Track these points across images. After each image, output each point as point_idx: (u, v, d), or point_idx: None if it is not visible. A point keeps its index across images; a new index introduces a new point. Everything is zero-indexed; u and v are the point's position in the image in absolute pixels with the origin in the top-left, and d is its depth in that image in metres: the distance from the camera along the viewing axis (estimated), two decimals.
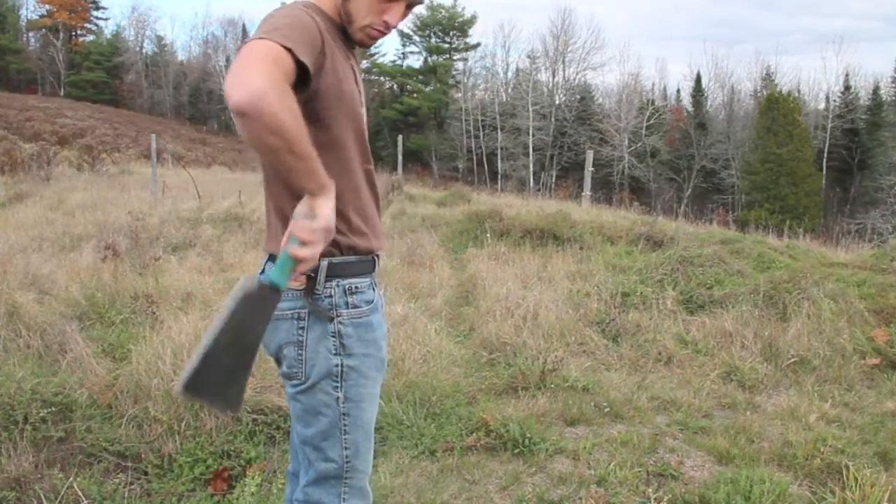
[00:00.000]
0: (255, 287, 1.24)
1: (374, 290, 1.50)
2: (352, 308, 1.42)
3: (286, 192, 1.37)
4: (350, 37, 1.47)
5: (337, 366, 1.41)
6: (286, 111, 1.14)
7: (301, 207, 1.26)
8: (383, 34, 1.48)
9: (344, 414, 1.43)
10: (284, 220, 1.40)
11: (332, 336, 1.40)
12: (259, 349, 1.31)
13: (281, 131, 1.14)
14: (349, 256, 1.43)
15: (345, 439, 1.45)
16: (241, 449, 2.65)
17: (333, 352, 1.40)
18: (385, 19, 1.44)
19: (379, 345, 1.49)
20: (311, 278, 1.37)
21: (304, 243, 1.24)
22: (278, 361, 1.47)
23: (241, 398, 1.29)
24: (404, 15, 1.48)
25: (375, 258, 1.49)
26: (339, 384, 1.42)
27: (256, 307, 1.24)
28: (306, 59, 1.23)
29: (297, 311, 1.40)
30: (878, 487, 2.36)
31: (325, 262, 1.37)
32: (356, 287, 1.43)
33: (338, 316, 1.40)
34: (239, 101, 1.11)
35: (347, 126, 1.41)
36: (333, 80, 1.35)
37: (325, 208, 1.26)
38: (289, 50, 1.20)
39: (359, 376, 1.44)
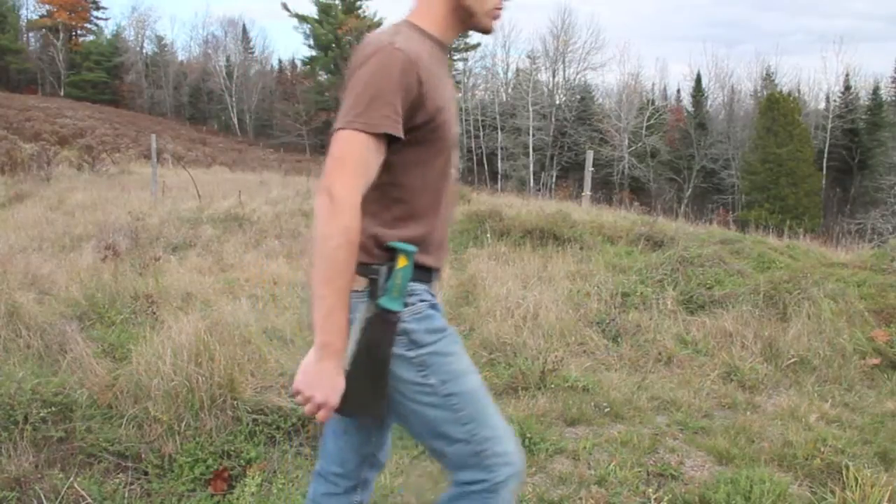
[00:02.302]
0: (372, 313, 1.38)
1: (431, 294, 1.50)
2: (410, 306, 1.42)
3: (373, 207, 1.39)
4: (469, 30, 1.51)
5: (415, 358, 1.42)
6: (346, 249, 1.27)
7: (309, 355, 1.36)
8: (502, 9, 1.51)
9: (446, 395, 1.42)
10: (371, 236, 1.41)
11: (400, 335, 1.40)
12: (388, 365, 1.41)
13: (336, 250, 1.27)
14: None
15: (460, 418, 1.43)
16: (241, 449, 2.65)
17: (406, 348, 1.41)
18: None
19: (445, 328, 1.48)
20: (373, 280, 1.39)
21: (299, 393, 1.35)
22: None
23: (384, 408, 1.44)
24: None
25: (433, 272, 1.50)
26: (426, 371, 1.42)
27: (378, 331, 1.38)
28: (396, 130, 1.31)
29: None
30: (878, 487, 2.36)
31: (384, 267, 1.39)
32: (411, 290, 1.43)
33: (399, 318, 1.41)
34: (322, 207, 1.28)
35: (439, 150, 1.43)
36: (432, 109, 1.37)
37: (309, 364, 1.34)
38: (375, 133, 1.29)
39: (441, 356, 1.44)
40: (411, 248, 1.39)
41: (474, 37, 49.10)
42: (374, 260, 1.40)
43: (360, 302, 1.39)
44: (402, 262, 1.38)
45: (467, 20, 1.47)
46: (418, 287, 1.44)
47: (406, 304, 1.41)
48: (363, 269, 1.39)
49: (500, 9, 1.48)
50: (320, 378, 1.32)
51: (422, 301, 1.45)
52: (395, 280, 1.38)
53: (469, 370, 1.48)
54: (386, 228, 1.40)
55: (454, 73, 47.24)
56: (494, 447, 1.46)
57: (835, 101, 38.03)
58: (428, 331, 1.43)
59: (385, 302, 1.37)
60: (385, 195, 1.39)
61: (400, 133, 1.31)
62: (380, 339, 1.38)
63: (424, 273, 1.46)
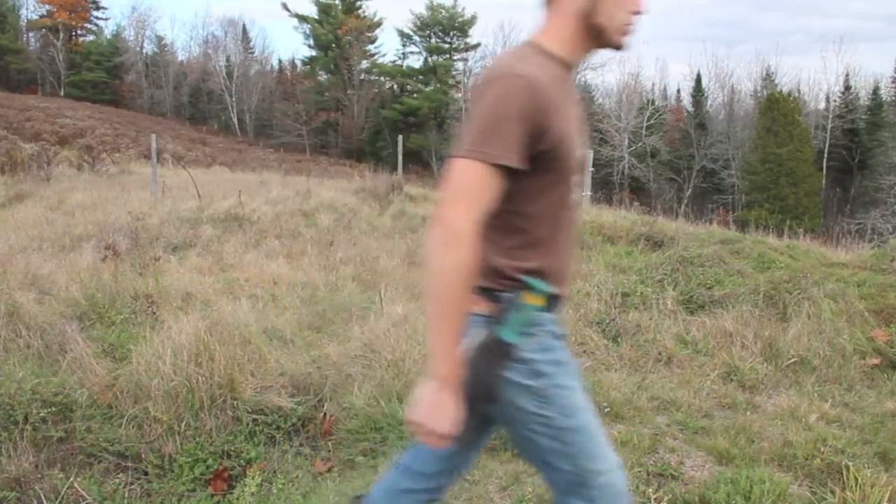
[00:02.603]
0: (487, 340, 1.36)
1: (555, 324, 1.47)
2: (533, 337, 1.40)
3: (492, 235, 1.38)
4: (600, 46, 1.46)
5: (535, 387, 1.40)
6: (460, 287, 1.28)
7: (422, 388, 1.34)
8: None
9: (560, 428, 1.42)
10: (491, 264, 1.40)
11: (521, 363, 1.38)
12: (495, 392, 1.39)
13: (450, 276, 1.28)
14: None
15: (569, 450, 1.43)
16: (241, 449, 2.65)
17: (528, 377, 1.39)
18: (633, 9, 1.42)
19: (566, 362, 1.47)
20: (496, 308, 1.38)
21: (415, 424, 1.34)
22: None
23: (473, 433, 1.46)
24: None
25: (556, 300, 1.46)
26: (544, 402, 1.41)
27: (488, 358, 1.36)
28: (514, 162, 1.29)
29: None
30: (878, 487, 2.36)
31: (510, 296, 1.37)
32: (535, 321, 1.40)
33: (513, 350, 1.39)
34: (437, 238, 1.29)
35: (561, 178, 1.40)
36: (554, 138, 1.33)
37: (427, 397, 1.32)
38: (494, 164, 1.28)
39: (560, 389, 1.43)
40: (543, 287, 1.36)
41: (474, 36, 49.20)
42: (497, 286, 1.38)
43: (476, 325, 1.37)
44: (530, 299, 1.36)
45: (597, 37, 1.42)
46: (543, 317, 1.41)
47: (528, 335, 1.38)
48: (486, 293, 1.38)
49: (630, 24, 1.43)
50: (441, 410, 1.31)
51: (545, 331, 1.42)
52: (521, 314, 1.36)
53: (584, 405, 1.47)
54: (505, 257, 1.38)
55: (454, 73, 47.30)
56: (600, 479, 1.46)
57: (835, 101, 38.04)
58: (550, 362, 1.42)
59: (504, 333, 1.35)
60: (505, 223, 1.37)
61: (518, 165, 1.29)
62: (488, 367, 1.36)
63: (547, 302, 1.42)
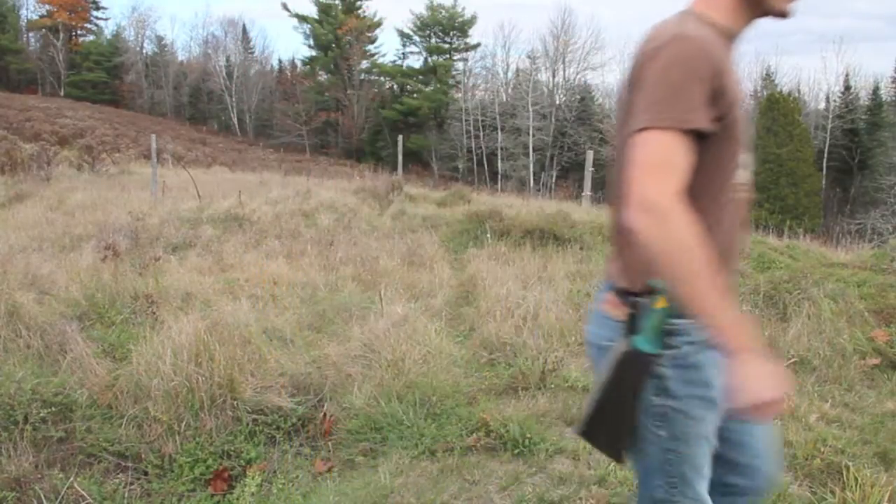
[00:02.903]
0: (626, 350, 1.28)
1: (700, 330, 1.31)
2: (671, 349, 1.28)
3: None
4: (763, 15, 1.37)
5: (657, 406, 1.31)
6: (697, 259, 1.13)
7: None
8: None
9: (668, 450, 1.35)
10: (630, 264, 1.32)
11: (653, 377, 1.29)
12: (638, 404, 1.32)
13: (676, 262, 1.14)
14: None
15: (669, 471, 1.36)
16: (241, 449, 2.65)
17: (654, 393, 1.30)
18: None
19: (709, 384, 1.32)
20: (632, 314, 1.29)
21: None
22: None
23: (623, 449, 1.39)
24: None
25: None
26: (661, 424, 1.32)
27: (627, 370, 1.29)
28: (706, 124, 1.19)
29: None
30: (878, 487, 2.36)
31: (644, 301, 1.28)
32: (676, 328, 1.28)
33: (655, 360, 1.29)
34: (636, 226, 1.15)
35: (731, 150, 1.28)
36: (727, 104, 1.23)
37: (743, 375, 1.17)
38: (684, 130, 1.16)
39: (684, 417, 1.32)
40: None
41: (474, 36, 49.21)
42: (636, 287, 1.29)
43: (618, 333, 1.30)
44: (660, 303, 1.25)
45: (759, 5, 1.33)
46: (685, 323, 1.26)
47: (668, 346, 1.27)
48: (624, 296, 1.30)
49: None
50: (759, 377, 1.18)
51: (688, 343, 1.28)
52: (652, 321, 1.25)
53: (705, 437, 1.36)
54: None
55: (454, 73, 47.29)
56: None
57: (835, 101, 38.04)
58: (684, 381, 1.30)
59: (639, 342, 1.26)
60: None
61: (709, 127, 1.18)
62: (628, 380, 1.28)
63: None
